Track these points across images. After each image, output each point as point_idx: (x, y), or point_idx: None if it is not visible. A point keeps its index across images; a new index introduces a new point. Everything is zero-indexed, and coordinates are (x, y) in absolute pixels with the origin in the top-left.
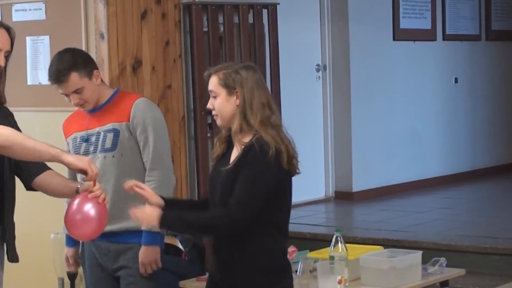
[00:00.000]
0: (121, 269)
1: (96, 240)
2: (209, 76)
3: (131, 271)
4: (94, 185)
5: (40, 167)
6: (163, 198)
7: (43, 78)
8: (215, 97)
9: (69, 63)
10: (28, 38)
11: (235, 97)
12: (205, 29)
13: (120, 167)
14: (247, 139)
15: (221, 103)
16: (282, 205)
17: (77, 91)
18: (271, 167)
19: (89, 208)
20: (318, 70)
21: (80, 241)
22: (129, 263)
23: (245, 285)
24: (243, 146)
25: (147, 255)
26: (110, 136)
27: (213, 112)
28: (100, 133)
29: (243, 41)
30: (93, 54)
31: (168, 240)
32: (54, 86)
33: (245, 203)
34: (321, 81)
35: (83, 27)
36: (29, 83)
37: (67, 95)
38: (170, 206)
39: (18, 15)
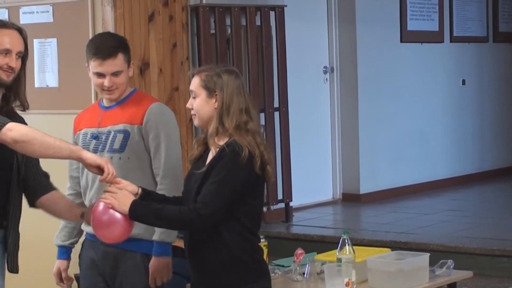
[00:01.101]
0: (117, 275)
1: (96, 242)
2: (192, 76)
3: (129, 281)
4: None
5: (46, 186)
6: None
7: (51, 80)
8: (194, 98)
9: (120, 42)
10: (35, 41)
11: (214, 100)
12: (212, 31)
13: (126, 171)
14: (222, 142)
15: (200, 104)
16: (251, 207)
17: (116, 73)
18: (241, 169)
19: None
20: (325, 72)
21: (82, 246)
22: (128, 272)
23: (219, 284)
24: (217, 149)
25: (159, 267)
26: (120, 137)
27: (192, 112)
28: (110, 132)
29: (250, 43)
30: None
31: (175, 242)
32: (95, 62)
33: (209, 201)
34: (328, 83)
35: (90, 30)
36: (36, 85)
37: (102, 76)
38: (145, 198)
39: (26, 18)
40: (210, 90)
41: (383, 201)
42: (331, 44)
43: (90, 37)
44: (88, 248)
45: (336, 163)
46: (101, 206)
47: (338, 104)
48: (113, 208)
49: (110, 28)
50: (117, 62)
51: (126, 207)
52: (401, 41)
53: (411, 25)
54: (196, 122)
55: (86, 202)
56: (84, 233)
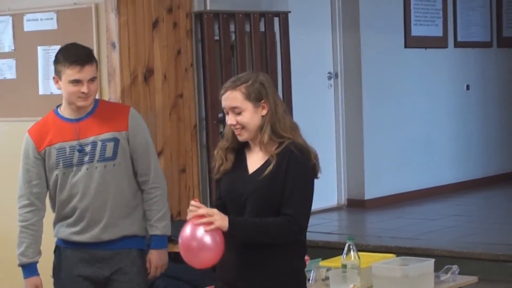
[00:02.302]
0: (115, 273)
1: (91, 249)
2: (224, 92)
3: (128, 276)
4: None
5: None
6: None
7: (55, 88)
8: (239, 113)
9: (91, 51)
10: (39, 48)
11: (261, 108)
12: (217, 37)
13: (119, 176)
14: (274, 147)
15: (249, 117)
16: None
17: (92, 79)
18: (313, 170)
19: (203, 235)
20: (330, 78)
21: (56, 255)
22: (126, 267)
23: None
24: (274, 153)
25: (159, 259)
26: (110, 145)
27: (237, 127)
28: (96, 142)
29: (254, 50)
30: (104, 64)
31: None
32: (73, 70)
33: (303, 209)
34: (333, 89)
35: (94, 37)
36: (40, 93)
37: (79, 83)
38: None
39: (30, 25)
40: (257, 100)
41: (388, 206)
42: (335, 49)
43: (94, 44)
44: (71, 256)
45: (341, 168)
46: (192, 230)
47: (343, 110)
48: (208, 229)
49: (114, 35)
50: (93, 68)
51: (226, 223)
52: (405, 47)
53: (415, 31)
54: (244, 136)
55: (64, 213)
56: (57, 242)
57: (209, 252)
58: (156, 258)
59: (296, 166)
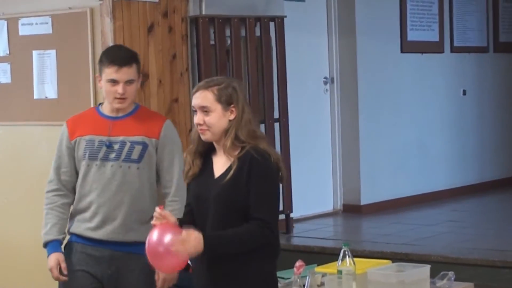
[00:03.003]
0: (122, 275)
1: (99, 247)
2: (196, 91)
3: (134, 281)
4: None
5: None
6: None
7: (50, 92)
8: (206, 112)
9: (135, 54)
10: (34, 52)
11: (229, 113)
12: (212, 42)
13: (141, 181)
14: (236, 151)
15: (216, 119)
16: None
17: (129, 82)
18: (276, 173)
19: (169, 240)
20: (325, 83)
21: (67, 249)
22: (134, 272)
23: None
24: (236, 158)
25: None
26: (138, 148)
27: (202, 127)
28: (125, 142)
29: (250, 54)
30: None
31: None
32: (111, 69)
33: (271, 211)
34: (328, 94)
35: (89, 41)
36: (35, 97)
37: (116, 83)
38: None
39: (25, 29)
40: (226, 103)
41: (383, 212)
42: (331, 54)
43: (89, 49)
44: (81, 251)
45: (337, 174)
46: (159, 235)
47: (339, 115)
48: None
49: (110, 40)
50: (132, 71)
51: (200, 246)
52: (402, 52)
53: (412, 36)
54: (207, 136)
55: (82, 207)
56: (70, 238)
57: (175, 258)
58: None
59: (258, 169)
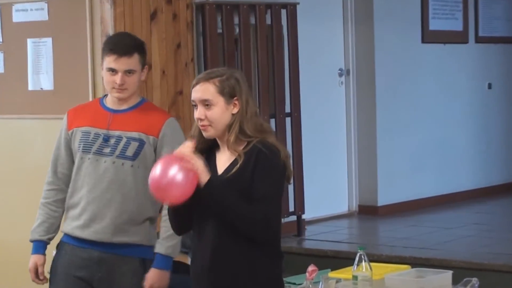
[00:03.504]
0: (114, 283)
1: (88, 248)
2: (196, 84)
3: (127, 286)
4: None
5: None
6: None
7: (46, 83)
8: (208, 106)
9: (138, 43)
10: (29, 41)
11: (232, 106)
12: (219, 30)
13: (135, 179)
14: (241, 146)
15: (219, 113)
16: (279, 213)
17: (129, 72)
18: (284, 170)
19: (176, 172)
20: (341, 75)
21: (57, 249)
22: (127, 278)
23: None
24: (242, 152)
25: (158, 280)
26: (134, 144)
27: (204, 122)
28: (121, 137)
29: (260, 44)
30: (98, 58)
31: (178, 257)
32: (110, 57)
33: (272, 207)
34: (344, 87)
35: (88, 29)
36: (30, 88)
37: (115, 72)
38: None
39: (19, 16)
40: (229, 96)
41: (402, 214)
42: (347, 44)
43: (88, 37)
44: (70, 253)
45: (352, 173)
46: (161, 168)
47: (355, 109)
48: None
49: (110, 28)
50: (132, 61)
51: (206, 175)
52: (423, 42)
53: (433, 25)
54: (209, 133)
55: (72, 203)
56: (62, 237)
57: (180, 187)
58: (154, 279)
59: (264, 163)
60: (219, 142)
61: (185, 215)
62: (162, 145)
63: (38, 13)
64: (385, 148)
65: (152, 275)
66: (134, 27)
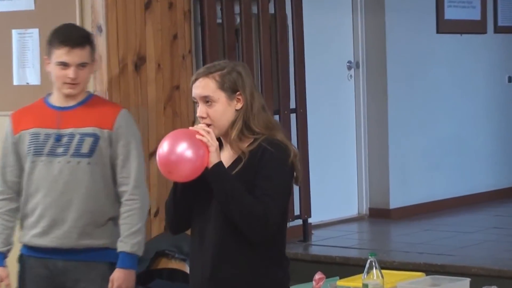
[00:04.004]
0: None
1: (51, 259)
2: (195, 80)
3: None
4: None
5: None
6: None
7: (32, 77)
8: (209, 103)
9: (88, 34)
10: (14, 32)
11: (235, 101)
12: (219, 20)
13: (93, 177)
14: (245, 144)
15: (221, 110)
16: (284, 217)
17: (82, 65)
18: (291, 170)
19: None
20: (349, 68)
21: (20, 263)
22: (96, 284)
23: None
24: (246, 151)
25: (125, 280)
26: (88, 140)
27: (206, 121)
28: (74, 135)
29: (262, 35)
30: None
31: (175, 265)
32: (61, 50)
33: (276, 206)
34: (353, 81)
35: (78, 19)
36: (15, 83)
37: (66, 66)
38: None
39: (3, 5)
40: (231, 90)
41: (416, 217)
42: (356, 35)
43: None
44: (35, 266)
45: (362, 173)
46: (169, 143)
47: (365, 105)
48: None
49: (101, 18)
50: (84, 53)
51: (215, 159)
52: (438, 32)
53: (449, 14)
54: (214, 132)
55: (28, 210)
56: (21, 249)
57: (191, 162)
58: (121, 279)
59: (270, 162)
60: (222, 140)
61: (185, 209)
62: (118, 138)
63: (24, 2)
64: (398, 146)
65: (118, 275)
66: (127, 17)
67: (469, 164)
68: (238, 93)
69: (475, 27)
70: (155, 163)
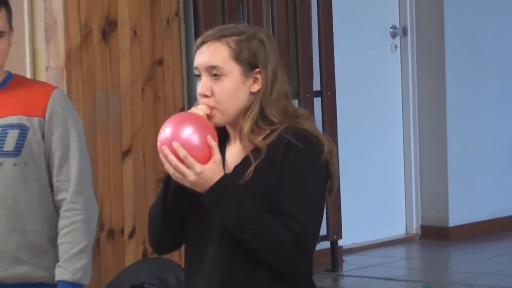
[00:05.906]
0: None
1: None
2: (202, 43)
3: None
4: None
5: None
6: None
7: None
8: (217, 77)
9: None
10: None
11: (252, 81)
12: None
13: (22, 182)
14: (260, 137)
15: (231, 88)
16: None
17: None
18: (324, 171)
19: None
20: (394, 36)
21: None
22: None
23: None
24: (262, 145)
25: None
26: (13, 133)
27: (209, 101)
28: None
29: None
30: (40, 12)
31: None
32: None
33: (310, 227)
34: (399, 52)
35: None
36: None
37: None
38: None
39: None
40: (249, 65)
41: (483, 238)
42: None
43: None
44: None
45: (412, 179)
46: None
47: (414, 85)
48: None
49: None
50: (0, 19)
51: (212, 181)
52: None
53: None
54: (216, 118)
55: None
56: None
57: (193, 154)
58: None
59: (297, 161)
60: (229, 130)
61: (178, 220)
62: (52, 127)
63: None
64: (459, 142)
65: None
66: None
67: None
68: (257, 69)
69: None
70: (130, 166)
